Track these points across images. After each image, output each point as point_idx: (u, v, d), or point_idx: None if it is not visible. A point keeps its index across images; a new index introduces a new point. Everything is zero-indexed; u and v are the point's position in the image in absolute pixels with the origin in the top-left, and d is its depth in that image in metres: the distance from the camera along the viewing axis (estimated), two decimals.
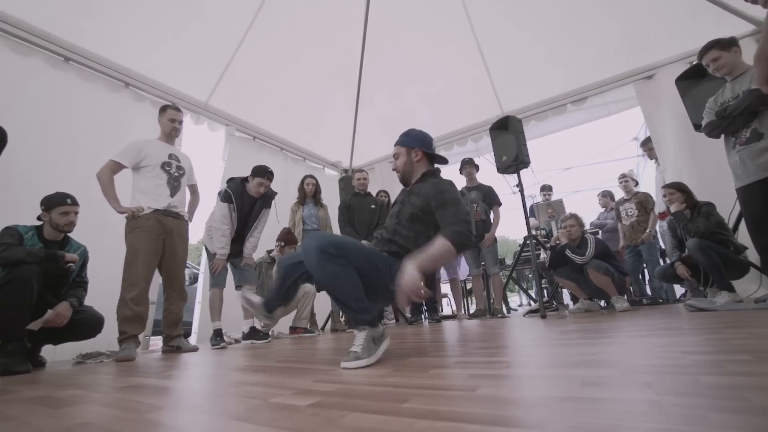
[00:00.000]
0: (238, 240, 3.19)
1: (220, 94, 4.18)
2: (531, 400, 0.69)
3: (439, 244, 1.41)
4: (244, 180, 3.18)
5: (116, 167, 2.57)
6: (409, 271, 1.32)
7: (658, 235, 4.17)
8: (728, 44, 2.15)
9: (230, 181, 3.21)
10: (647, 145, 4.24)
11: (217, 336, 2.96)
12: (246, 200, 3.14)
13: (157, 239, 2.59)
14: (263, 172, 3.11)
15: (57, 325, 2.15)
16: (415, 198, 1.61)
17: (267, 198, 3.26)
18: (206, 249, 3.25)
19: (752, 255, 2.55)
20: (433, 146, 1.78)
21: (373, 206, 4.06)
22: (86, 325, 2.31)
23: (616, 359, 1.00)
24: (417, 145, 1.71)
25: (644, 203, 4.12)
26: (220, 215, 3.04)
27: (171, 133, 2.83)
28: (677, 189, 2.99)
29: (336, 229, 4.30)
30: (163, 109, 2.87)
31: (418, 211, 1.58)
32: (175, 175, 2.77)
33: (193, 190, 3.05)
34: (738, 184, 2.21)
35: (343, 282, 1.37)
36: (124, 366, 1.99)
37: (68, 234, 2.34)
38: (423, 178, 1.69)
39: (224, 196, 3.08)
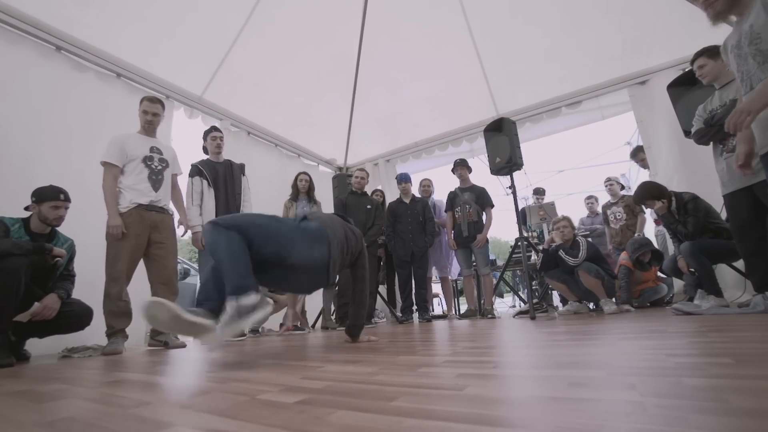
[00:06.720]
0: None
1: (215, 88, 4.14)
2: (518, 400, 0.69)
3: None
4: (204, 151, 3.36)
5: (116, 171, 2.56)
6: None
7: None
8: (716, 53, 2.18)
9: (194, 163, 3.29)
10: (638, 155, 4.28)
11: None
12: (218, 167, 3.25)
13: (140, 235, 2.55)
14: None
15: (45, 317, 2.12)
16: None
17: (238, 165, 3.40)
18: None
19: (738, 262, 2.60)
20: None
21: (368, 206, 4.05)
22: (74, 317, 2.28)
23: (603, 361, 1.01)
24: None
25: (632, 206, 4.16)
26: (192, 192, 3.10)
27: (146, 126, 2.77)
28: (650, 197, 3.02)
29: None
30: (141, 101, 2.81)
31: None
32: (157, 168, 2.72)
33: (174, 182, 2.94)
34: (724, 191, 2.25)
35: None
36: (110, 361, 1.97)
37: (56, 227, 2.30)
38: None
39: (193, 171, 3.17)
